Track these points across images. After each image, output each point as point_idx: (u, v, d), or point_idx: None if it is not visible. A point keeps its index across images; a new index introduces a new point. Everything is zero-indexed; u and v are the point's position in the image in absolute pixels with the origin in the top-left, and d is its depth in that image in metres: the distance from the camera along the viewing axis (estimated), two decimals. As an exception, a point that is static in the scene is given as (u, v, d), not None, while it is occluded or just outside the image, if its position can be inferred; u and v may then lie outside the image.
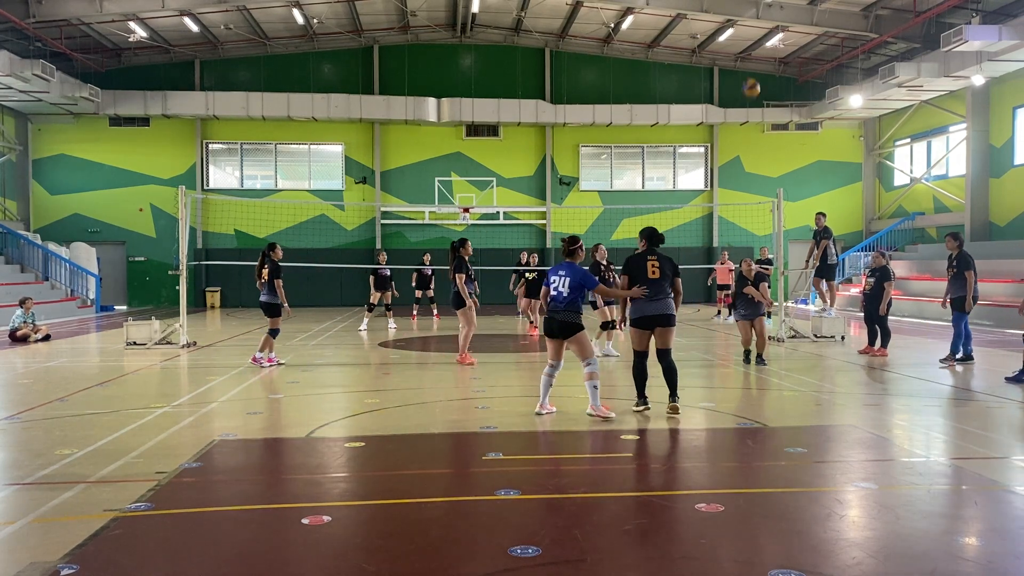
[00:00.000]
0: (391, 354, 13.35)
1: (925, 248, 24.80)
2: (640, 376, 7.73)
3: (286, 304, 11.49)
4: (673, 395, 7.66)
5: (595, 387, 7.44)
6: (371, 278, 18.02)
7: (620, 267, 8.30)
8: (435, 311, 20.54)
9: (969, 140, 22.99)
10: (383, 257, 18.39)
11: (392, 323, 18.33)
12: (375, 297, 17.92)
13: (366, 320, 17.76)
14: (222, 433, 6.91)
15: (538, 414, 7.62)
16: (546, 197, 28.23)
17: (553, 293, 7.55)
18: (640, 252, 7.88)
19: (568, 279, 7.50)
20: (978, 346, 12.44)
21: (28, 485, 5.33)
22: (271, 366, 11.33)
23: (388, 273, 17.99)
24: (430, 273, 19.65)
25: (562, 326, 7.49)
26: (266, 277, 11.30)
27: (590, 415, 7.44)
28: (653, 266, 7.72)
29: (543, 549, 4.08)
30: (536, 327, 16.01)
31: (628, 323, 7.75)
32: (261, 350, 11.47)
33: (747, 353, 11.66)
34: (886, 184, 28.61)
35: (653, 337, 7.69)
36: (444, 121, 26.98)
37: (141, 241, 27.19)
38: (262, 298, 11.47)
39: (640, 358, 7.72)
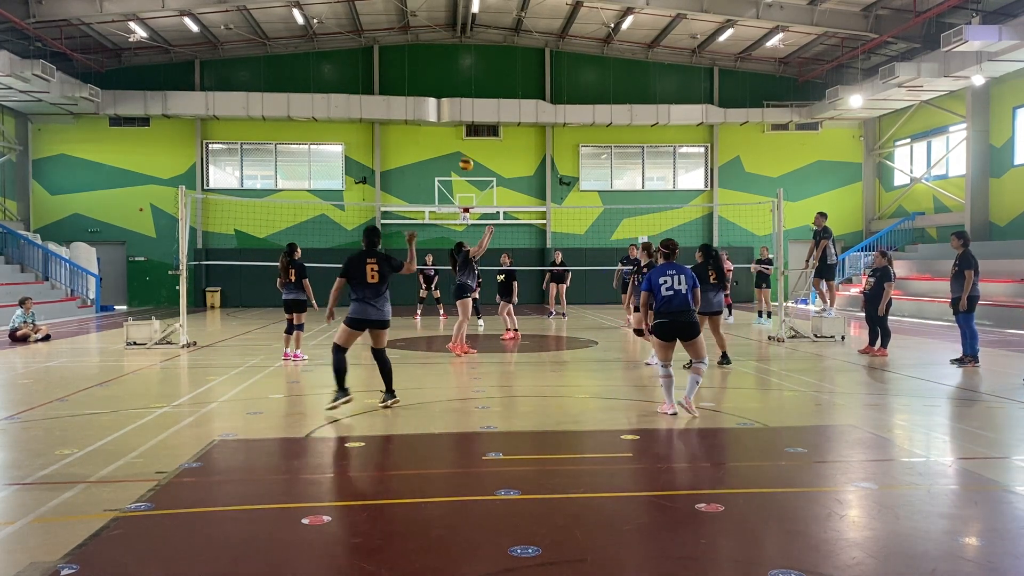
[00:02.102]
0: (391, 354, 13.29)
1: (925, 248, 24.80)
2: (340, 369, 7.87)
3: (314, 302, 12.12)
4: (388, 391, 8.02)
5: (697, 382, 7.47)
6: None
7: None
8: (441, 311, 20.80)
9: (969, 140, 23.00)
10: None
11: None
12: None
13: None
14: (222, 433, 6.90)
15: (672, 413, 7.46)
16: (546, 197, 28.23)
17: (668, 293, 7.29)
18: (360, 253, 7.98)
19: (684, 277, 7.33)
20: (980, 346, 12.41)
21: (28, 485, 5.33)
22: (296, 360, 11.97)
23: None
24: (433, 273, 20.12)
25: (691, 327, 7.34)
26: (294, 278, 11.87)
27: (680, 404, 7.41)
28: (372, 269, 7.83)
29: (543, 549, 4.08)
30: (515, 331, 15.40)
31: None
32: (299, 347, 12.19)
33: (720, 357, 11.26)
34: (886, 184, 28.61)
35: (368, 334, 8.00)
36: (444, 121, 26.98)
37: (141, 241, 27.19)
38: (289, 296, 11.97)
39: (340, 352, 7.91)
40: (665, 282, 7.31)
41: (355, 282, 7.89)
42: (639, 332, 11.32)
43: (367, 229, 8.22)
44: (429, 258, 20.45)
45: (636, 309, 11.31)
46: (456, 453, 6.53)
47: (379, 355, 8.06)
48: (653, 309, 7.47)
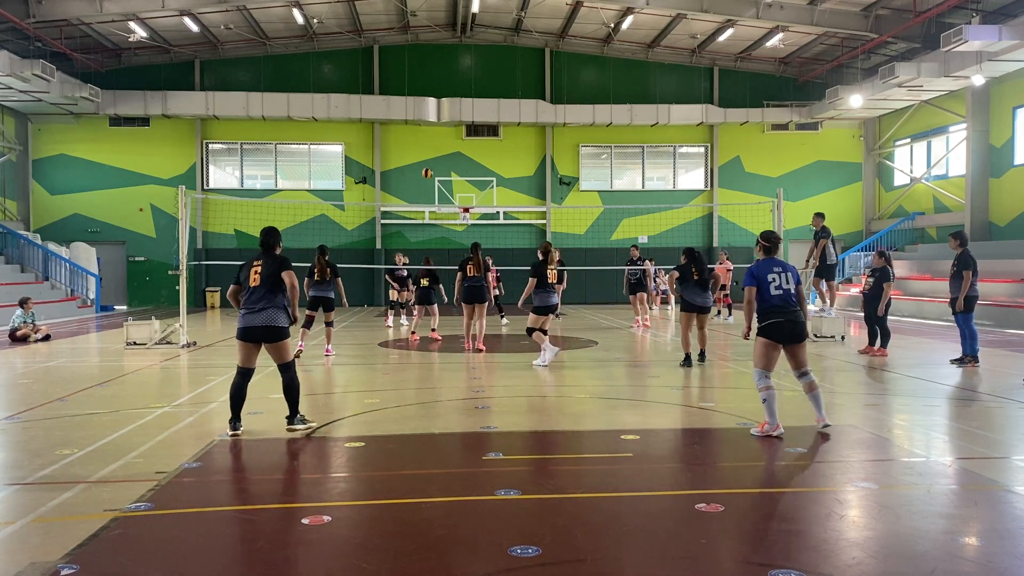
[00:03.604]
0: (391, 354, 13.35)
1: (925, 248, 24.81)
2: (234, 396, 6.78)
3: (345, 300, 13.13)
4: (292, 413, 6.92)
5: (820, 396, 6.81)
6: (386, 278, 19.56)
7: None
8: (409, 315, 20.09)
9: (969, 140, 23.00)
10: (399, 258, 19.19)
11: (405, 320, 19.07)
12: (394, 295, 19.33)
13: (391, 317, 19.40)
14: (222, 433, 6.89)
15: (770, 436, 6.59)
16: (546, 197, 28.24)
17: (778, 291, 6.66)
18: (254, 256, 7.09)
19: (790, 275, 6.76)
20: (980, 346, 12.41)
21: (28, 485, 5.32)
22: (329, 356, 12.51)
23: (405, 273, 18.91)
24: (406, 275, 19.59)
25: (802, 329, 6.70)
26: (329, 276, 12.70)
27: (823, 431, 6.72)
28: (255, 272, 6.89)
29: (543, 549, 4.08)
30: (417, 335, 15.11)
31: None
32: (329, 341, 12.87)
33: (688, 357, 11.05)
34: (886, 184, 28.62)
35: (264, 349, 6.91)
36: (444, 121, 26.99)
37: (141, 241, 27.21)
38: (320, 294, 12.65)
39: (241, 376, 6.83)
40: (773, 280, 6.68)
41: (244, 289, 6.92)
42: (531, 331, 11.18)
43: (263, 230, 7.23)
44: (404, 259, 19.84)
45: (535, 309, 11.25)
46: (456, 453, 6.52)
47: (282, 371, 6.91)
48: (758, 309, 6.73)
